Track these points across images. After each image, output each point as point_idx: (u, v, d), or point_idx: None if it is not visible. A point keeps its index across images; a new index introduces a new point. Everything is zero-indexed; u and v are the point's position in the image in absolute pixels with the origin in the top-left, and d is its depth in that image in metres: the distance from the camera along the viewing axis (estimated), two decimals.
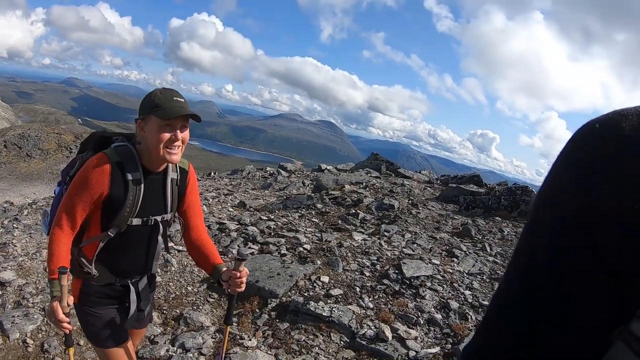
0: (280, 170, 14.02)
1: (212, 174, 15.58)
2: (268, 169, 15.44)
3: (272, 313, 4.58)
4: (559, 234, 0.60)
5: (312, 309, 4.41)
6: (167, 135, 2.03)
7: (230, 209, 8.21)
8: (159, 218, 2.22)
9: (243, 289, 2.20)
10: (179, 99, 2.08)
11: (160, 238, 2.29)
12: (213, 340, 4.13)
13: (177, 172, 2.27)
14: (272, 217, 7.37)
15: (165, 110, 2.02)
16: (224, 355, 2.55)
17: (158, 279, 5.15)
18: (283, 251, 5.92)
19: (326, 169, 12.68)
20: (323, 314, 4.34)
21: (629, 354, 0.53)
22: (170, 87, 2.09)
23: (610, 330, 0.57)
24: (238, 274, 2.15)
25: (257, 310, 4.63)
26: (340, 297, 4.88)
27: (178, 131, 2.06)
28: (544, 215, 0.64)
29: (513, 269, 0.67)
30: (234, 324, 4.37)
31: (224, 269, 2.23)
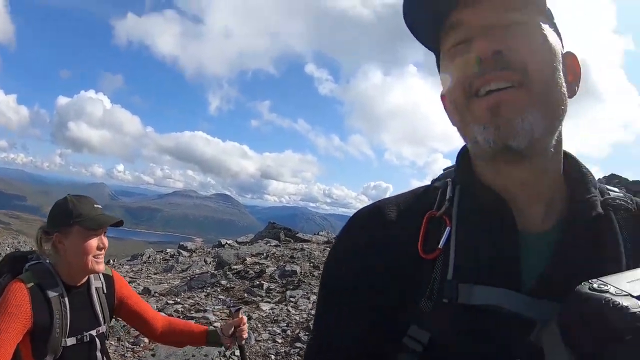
0: (181, 250, 13.80)
1: (111, 261, 14.88)
2: (168, 250, 15.03)
3: None
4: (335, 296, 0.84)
5: None
6: (94, 245, 1.90)
7: None
8: (94, 332, 2.00)
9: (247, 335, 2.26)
10: (96, 205, 1.99)
11: (98, 354, 2.04)
12: None
13: (100, 279, 2.08)
14: (179, 300, 7.29)
15: (91, 219, 1.90)
16: None
17: None
18: None
19: (226, 243, 12.72)
20: None
21: (405, 356, 0.73)
22: (77, 193, 2.01)
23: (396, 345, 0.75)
24: (242, 322, 2.21)
25: None
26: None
27: (104, 237, 1.96)
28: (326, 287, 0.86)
29: (320, 320, 0.87)
30: None
31: (219, 327, 2.24)
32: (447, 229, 0.76)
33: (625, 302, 0.55)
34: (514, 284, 0.70)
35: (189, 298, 7.40)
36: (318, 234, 13.34)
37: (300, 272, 8.43)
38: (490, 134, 0.69)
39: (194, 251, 13.92)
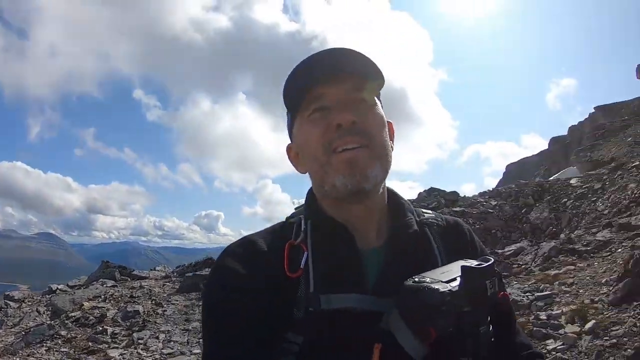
0: (8, 301, 12.03)
1: None
2: None
3: None
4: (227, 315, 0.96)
5: None
6: None
7: None
8: None
9: None
10: None
11: None
12: None
13: None
14: (17, 359, 6.49)
15: None
16: None
17: None
18: None
19: (57, 289, 11.48)
20: None
21: (287, 357, 0.91)
22: None
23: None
24: None
25: None
26: None
27: None
28: (217, 302, 1.00)
29: (206, 341, 1.01)
30: None
31: None
32: (305, 253, 0.98)
33: (437, 286, 0.83)
34: (361, 288, 0.95)
35: (28, 355, 6.65)
36: (155, 269, 12.84)
37: (144, 311, 8.15)
38: (348, 181, 0.96)
39: (23, 301, 12.26)
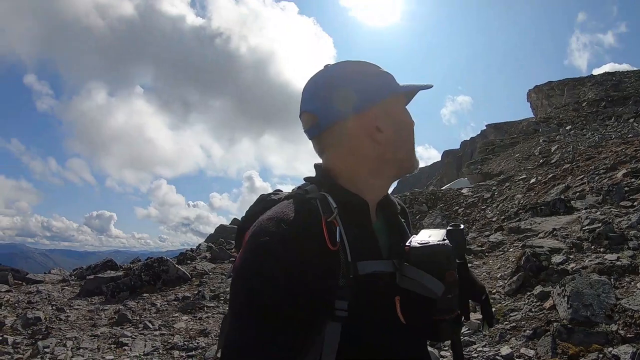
0: None
1: None
2: None
3: None
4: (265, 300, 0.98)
5: None
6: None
7: None
8: None
9: None
10: None
11: None
12: None
13: None
14: None
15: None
16: None
17: None
18: None
19: None
20: None
21: (335, 323, 0.99)
22: None
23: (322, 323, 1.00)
24: None
25: None
26: None
27: None
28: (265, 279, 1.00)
29: (246, 319, 0.99)
30: None
31: None
32: (338, 228, 1.06)
33: (431, 242, 1.07)
34: (379, 255, 1.12)
35: None
36: (50, 273, 12.09)
37: (45, 317, 7.78)
38: (416, 164, 1.25)
39: None
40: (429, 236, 1.11)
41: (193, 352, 6.11)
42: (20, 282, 10.41)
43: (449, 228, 1.16)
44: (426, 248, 1.05)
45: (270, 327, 0.96)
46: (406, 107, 1.27)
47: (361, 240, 1.10)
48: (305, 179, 1.24)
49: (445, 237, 1.09)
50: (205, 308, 7.97)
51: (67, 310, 8.29)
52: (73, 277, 11.52)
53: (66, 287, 10.41)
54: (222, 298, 8.41)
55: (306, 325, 0.99)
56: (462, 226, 1.18)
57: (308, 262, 1.01)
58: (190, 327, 7.09)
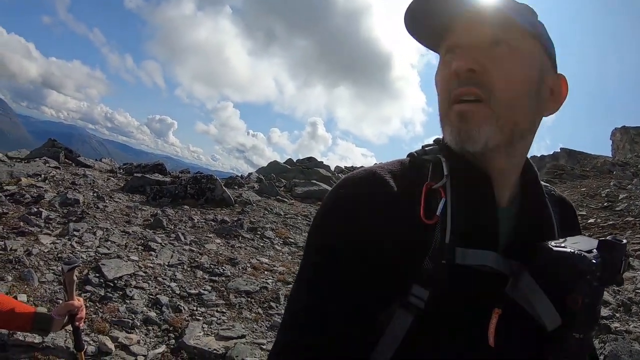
0: None
1: None
2: None
3: None
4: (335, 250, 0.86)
5: (20, 338, 3.83)
6: None
7: None
8: None
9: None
10: None
11: None
12: None
13: None
14: None
15: None
16: None
17: None
18: None
19: None
20: (34, 340, 3.84)
21: (406, 313, 0.82)
22: None
23: (392, 305, 0.84)
24: (81, 307, 1.84)
25: None
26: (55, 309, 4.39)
27: None
28: (334, 236, 0.88)
29: (309, 278, 0.89)
30: None
31: (51, 310, 1.78)
32: (443, 199, 0.87)
33: (583, 253, 0.80)
34: (493, 247, 0.87)
35: None
36: (101, 160, 12.18)
37: (84, 201, 7.68)
38: (453, 137, 0.88)
39: None
40: (575, 242, 0.86)
41: (216, 278, 5.82)
42: (70, 162, 10.44)
43: (605, 239, 0.85)
44: (557, 253, 0.82)
45: (323, 292, 0.85)
46: (445, 56, 0.94)
47: (473, 222, 0.88)
48: (434, 140, 1.04)
49: (594, 250, 0.83)
50: (240, 237, 7.66)
51: (107, 201, 8.18)
52: (121, 170, 11.53)
53: (112, 178, 10.39)
54: (259, 232, 8.06)
55: (368, 301, 0.84)
56: (623, 241, 0.85)
57: (386, 229, 0.86)
58: (220, 252, 6.81)
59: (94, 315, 4.54)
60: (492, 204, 0.91)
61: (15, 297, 4.51)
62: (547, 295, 0.79)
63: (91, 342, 4.09)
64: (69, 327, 1.98)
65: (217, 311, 5.05)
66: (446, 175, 0.90)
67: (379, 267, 0.84)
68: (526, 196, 0.98)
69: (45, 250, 5.65)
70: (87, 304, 4.72)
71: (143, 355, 4.12)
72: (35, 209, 6.79)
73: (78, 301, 1.88)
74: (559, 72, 0.96)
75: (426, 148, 0.99)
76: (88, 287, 4.98)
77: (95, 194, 8.36)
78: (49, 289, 4.85)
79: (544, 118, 0.96)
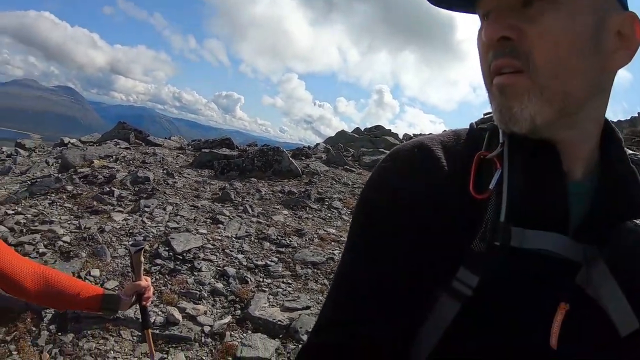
0: (19, 149, 11.86)
1: None
2: (4, 149, 12.76)
3: (51, 327, 3.99)
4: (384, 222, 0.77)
5: None
6: None
7: None
8: None
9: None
10: None
11: None
12: None
13: None
14: (20, 209, 6.25)
15: None
16: (154, 357, 2.16)
17: None
18: (41, 249, 5.12)
19: (70, 142, 11.22)
20: None
21: (452, 301, 0.71)
22: None
23: (437, 290, 0.73)
24: (148, 287, 1.86)
25: (34, 329, 3.97)
26: (117, 288, 4.52)
27: None
28: (378, 211, 0.79)
29: (352, 253, 0.81)
30: (13, 352, 3.67)
31: (117, 291, 1.81)
32: (498, 171, 0.74)
33: None
34: (561, 229, 0.72)
35: (31, 207, 6.40)
36: (170, 139, 12.53)
37: (154, 179, 7.86)
38: (497, 116, 0.74)
39: (34, 150, 12.12)
40: None
41: (283, 249, 5.75)
42: (140, 142, 10.77)
43: None
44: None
45: (359, 272, 0.77)
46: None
47: (535, 198, 0.72)
48: None
49: None
50: (307, 208, 7.55)
51: (176, 177, 8.35)
52: (190, 147, 11.79)
53: (181, 155, 10.62)
54: (326, 203, 7.91)
55: (409, 284, 0.73)
56: None
57: (431, 206, 0.75)
58: (287, 223, 6.74)
59: (163, 288, 4.63)
60: (560, 175, 0.75)
61: (89, 273, 4.65)
62: (624, 291, 0.66)
63: (160, 312, 4.18)
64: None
65: (283, 282, 5.00)
66: (501, 143, 0.77)
67: (423, 246, 0.74)
68: (608, 168, 0.80)
69: (117, 227, 5.83)
70: (157, 277, 4.81)
71: (209, 326, 4.15)
72: (108, 189, 7.04)
73: (145, 281, 1.89)
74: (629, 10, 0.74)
75: (486, 116, 0.87)
76: (158, 261, 5.07)
77: (164, 171, 8.56)
78: (121, 263, 4.98)
79: (619, 72, 0.76)
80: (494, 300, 0.71)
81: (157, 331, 3.97)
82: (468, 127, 0.88)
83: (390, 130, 21.24)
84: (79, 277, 4.62)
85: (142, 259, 1.90)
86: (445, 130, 0.91)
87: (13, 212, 6.19)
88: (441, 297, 0.73)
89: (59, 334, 3.94)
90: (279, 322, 4.17)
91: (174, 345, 3.90)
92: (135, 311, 3.95)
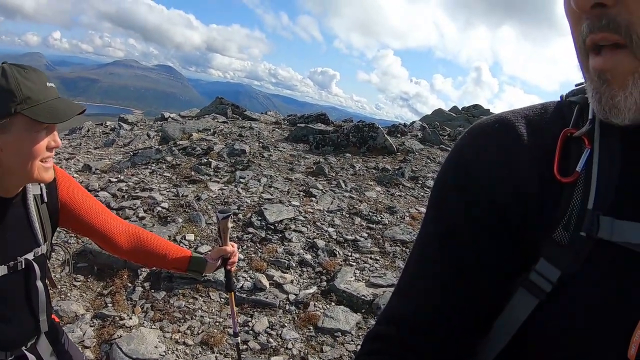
0: (122, 123, 12.83)
1: None
2: (108, 123, 13.91)
3: (145, 284, 4.25)
4: (467, 203, 0.72)
5: None
6: (44, 145, 1.31)
7: (75, 175, 7.27)
8: (30, 256, 1.46)
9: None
10: (49, 83, 1.32)
11: (38, 283, 1.51)
12: (93, 328, 3.69)
13: (39, 183, 1.48)
14: (122, 177, 6.75)
15: (44, 106, 1.27)
16: (236, 320, 2.29)
17: None
18: (141, 214, 5.48)
19: (170, 117, 11.89)
20: None
21: (529, 296, 0.65)
22: (16, 63, 1.29)
23: (513, 281, 0.68)
24: (234, 252, 1.93)
25: (129, 285, 4.25)
26: (209, 253, 4.70)
27: (56, 134, 1.36)
28: (452, 189, 0.74)
29: (428, 237, 0.76)
30: (109, 304, 3.98)
31: (203, 254, 1.89)
32: (587, 150, 0.66)
33: None
34: None
35: (132, 175, 6.87)
36: (266, 114, 12.83)
37: (250, 151, 8.07)
38: (595, 105, 0.63)
39: (136, 124, 13.01)
40: None
41: (373, 226, 5.66)
42: (237, 116, 11.11)
43: None
44: None
45: (428, 260, 0.74)
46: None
47: (630, 183, 0.62)
48: None
49: None
50: (400, 186, 7.38)
51: (271, 150, 8.51)
52: (286, 121, 11.98)
53: (277, 129, 10.81)
54: (420, 181, 7.69)
55: (482, 274, 0.69)
56: None
57: (510, 188, 0.69)
58: (379, 200, 6.63)
59: (253, 255, 4.74)
60: None
61: (184, 237, 4.88)
62: None
63: (248, 278, 4.28)
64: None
65: (370, 258, 4.92)
66: (590, 120, 0.68)
67: (500, 233, 0.69)
68: None
69: (213, 196, 6.04)
70: (248, 244, 4.93)
71: (294, 294, 4.18)
72: (205, 160, 7.33)
73: (231, 247, 1.94)
74: None
75: (579, 87, 0.76)
76: (250, 229, 5.19)
77: (260, 144, 8.76)
78: (214, 229, 5.15)
79: None
80: (574, 299, 0.63)
81: (245, 295, 4.07)
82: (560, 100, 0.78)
83: (488, 110, 20.42)
84: (175, 240, 4.86)
85: (229, 225, 1.95)
86: (534, 104, 0.81)
87: (116, 179, 6.64)
88: (517, 292, 0.67)
89: (152, 290, 4.17)
90: (362, 297, 4.12)
91: (259, 309, 3.98)
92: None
